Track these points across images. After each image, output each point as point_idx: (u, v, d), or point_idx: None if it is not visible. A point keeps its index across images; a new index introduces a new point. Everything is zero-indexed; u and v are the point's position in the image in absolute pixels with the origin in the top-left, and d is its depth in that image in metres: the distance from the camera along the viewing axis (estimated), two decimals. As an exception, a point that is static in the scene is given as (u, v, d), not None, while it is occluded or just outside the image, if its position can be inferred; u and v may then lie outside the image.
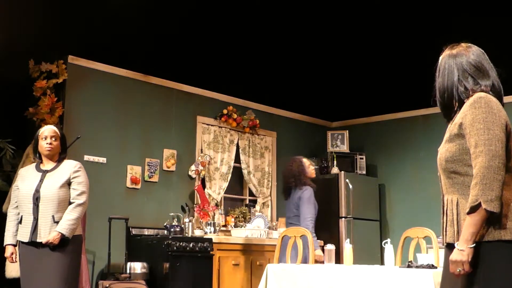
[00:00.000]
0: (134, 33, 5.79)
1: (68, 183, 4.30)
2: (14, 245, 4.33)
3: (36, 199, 4.21)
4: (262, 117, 8.08)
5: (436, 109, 7.75)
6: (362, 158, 8.42)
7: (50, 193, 4.22)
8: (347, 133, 8.57)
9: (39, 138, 4.39)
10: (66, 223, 4.19)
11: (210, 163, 7.33)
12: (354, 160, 8.38)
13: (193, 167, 7.17)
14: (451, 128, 2.47)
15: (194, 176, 7.18)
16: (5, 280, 5.37)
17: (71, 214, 4.22)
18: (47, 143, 4.35)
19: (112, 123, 6.53)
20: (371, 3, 5.29)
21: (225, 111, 7.60)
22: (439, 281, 3.80)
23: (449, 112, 2.55)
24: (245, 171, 7.86)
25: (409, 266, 4.20)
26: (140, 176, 6.68)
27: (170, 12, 5.41)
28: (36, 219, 4.20)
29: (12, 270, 5.30)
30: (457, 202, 2.40)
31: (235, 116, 7.65)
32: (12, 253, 4.32)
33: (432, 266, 4.14)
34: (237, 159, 7.80)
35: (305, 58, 6.60)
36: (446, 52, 2.60)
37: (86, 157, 6.09)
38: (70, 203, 4.28)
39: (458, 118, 2.44)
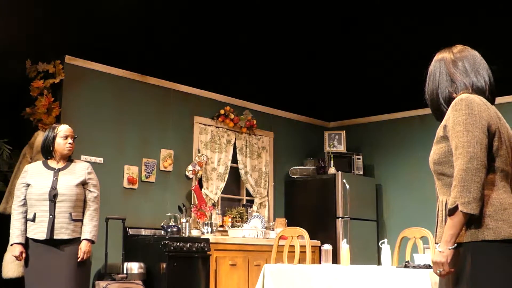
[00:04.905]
0: (131, 33, 5.78)
1: (83, 184, 4.38)
2: (23, 244, 4.31)
3: (54, 196, 4.22)
4: (259, 117, 8.08)
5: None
6: (359, 158, 8.43)
7: (68, 191, 4.27)
8: (344, 133, 8.57)
9: (56, 136, 4.41)
10: (93, 229, 4.34)
11: (207, 163, 7.33)
12: (351, 160, 8.39)
13: (190, 167, 7.17)
14: (438, 130, 2.50)
15: (191, 176, 7.18)
16: (3, 281, 5.36)
17: (93, 220, 4.37)
18: (68, 143, 4.41)
19: (109, 123, 6.53)
20: (368, 4, 5.30)
21: (222, 111, 7.60)
22: (435, 281, 3.83)
23: (439, 114, 2.58)
24: (242, 171, 7.86)
25: (406, 266, 4.21)
26: (137, 176, 6.67)
27: (168, 12, 5.41)
28: (53, 216, 4.21)
29: (9, 270, 5.29)
30: (445, 203, 2.42)
31: (232, 116, 7.65)
32: (21, 252, 4.30)
33: (429, 266, 4.14)
34: (234, 159, 7.80)
35: (303, 58, 6.60)
36: (434, 58, 2.66)
37: (83, 157, 6.08)
38: (84, 203, 4.36)
39: (443, 120, 2.48)
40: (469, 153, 2.29)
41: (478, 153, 2.29)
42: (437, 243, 2.45)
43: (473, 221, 2.30)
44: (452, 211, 2.28)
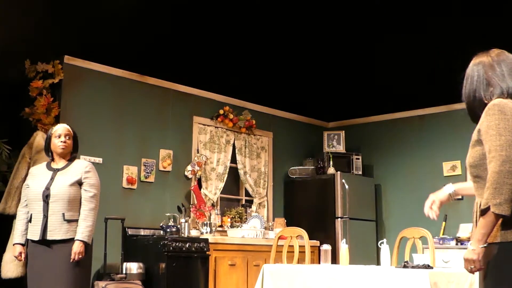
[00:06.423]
0: (130, 33, 5.78)
1: (79, 183, 4.31)
2: (23, 245, 4.32)
3: (46, 197, 4.21)
4: (259, 117, 8.08)
5: (432, 110, 7.80)
6: (359, 159, 8.43)
7: (61, 191, 4.23)
8: (343, 134, 8.58)
9: (52, 136, 4.40)
10: (86, 230, 4.22)
11: (206, 163, 7.33)
12: (350, 161, 8.39)
13: (189, 167, 7.17)
14: (473, 134, 2.59)
15: (190, 176, 7.18)
16: (1, 281, 5.36)
17: (87, 220, 4.25)
18: (61, 142, 4.37)
19: (108, 123, 6.53)
20: (368, 4, 5.30)
21: (221, 111, 7.60)
22: (435, 281, 3.84)
23: (475, 117, 2.65)
24: (241, 171, 7.86)
25: (405, 266, 4.21)
26: (136, 177, 6.67)
27: (166, 12, 5.41)
28: (46, 217, 4.20)
29: (8, 270, 5.29)
30: (479, 205, 2.51)
31: (231, 116, 7.65)
32: (20, 253, 4.31)
33: (428, 266, 4.15)
34: (233, 159, 7.80)
35: (302, 58, 6.60)
36: (472, 62, 2.72)
37: (82, 157, 6.06)
38: (80, 203, 4.29)
39: (478, 124, 2.56)
40: (502, 156, 2.38)
41: (511, 156, 2.38)
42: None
43: (505, 222, 2.39)
44: (484, 212, 2.38)
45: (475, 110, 2.63)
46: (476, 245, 2.40)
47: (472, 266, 2.42)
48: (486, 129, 2.47)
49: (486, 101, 2.57)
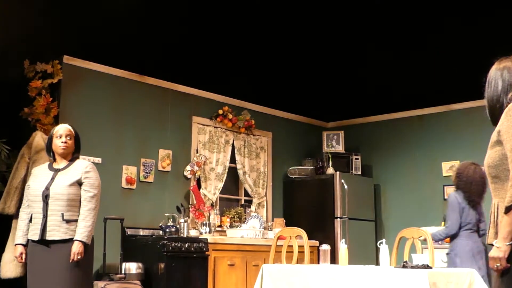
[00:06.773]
0: (129, 33, 5.79)
1: (79, 183, 4.30)
2: (24, 245, 4.32)
3: (46, 197, 4.20)
4: (258, 118, 8.08)
5: (432, 110, 7.80)
6: (358, 159, 8.43)
7: (60, 191, 4.21)
8: (343, 134, 8.58)
9: (53, 136, 4.40)
10: (85, 230, 4.19)
11: (205, 164, 7.33)
12: (349, 161, 8.40)
13: (188, 168, 7.17)
14: (492, 135, 2.61)
15: (189, 176, 7.18)
16: (1, 281, 5.35)
17: (86, 221, 4.22)
18: (62, 142, 4.37)
19: (108, 123, 6.52)
20: (366, 4, 5.30)
21: (220, 112, 7.60)
22: (434, 281, 3.84)
23: (496, 121, 2.67)
24: (240, 172, 7.86)
25: (404, 266, 4.21)
26: (135, 177, 6.67)
27: (166, 12, 5.41)
28: (45, 217, 4.19)
29: (7, 270, 5.29)
30: (497, 206, 2.54)
31: (230, 116, 7.65)
32: (21, 253, 4.32)
33: (427, 266, 4.15)
34: (233, 160, 7.80)
35: (301, 59, 6.61)
36: (495, 66, 2.76)
37: (81, 157, 6.03)
38: (80, 203, 4.27)
39: (497, 126, 2.59)
40: None
41: None
42: (489, 244, 2.58)
43: None
44: (508, 209, 2.41)
45: (496, 113, 2.65)
46: (502, 243, 2.43)
47: (498, 264, 2.45)
48: (507, 129, 2.48)
49: (506, 105, 2.60)
